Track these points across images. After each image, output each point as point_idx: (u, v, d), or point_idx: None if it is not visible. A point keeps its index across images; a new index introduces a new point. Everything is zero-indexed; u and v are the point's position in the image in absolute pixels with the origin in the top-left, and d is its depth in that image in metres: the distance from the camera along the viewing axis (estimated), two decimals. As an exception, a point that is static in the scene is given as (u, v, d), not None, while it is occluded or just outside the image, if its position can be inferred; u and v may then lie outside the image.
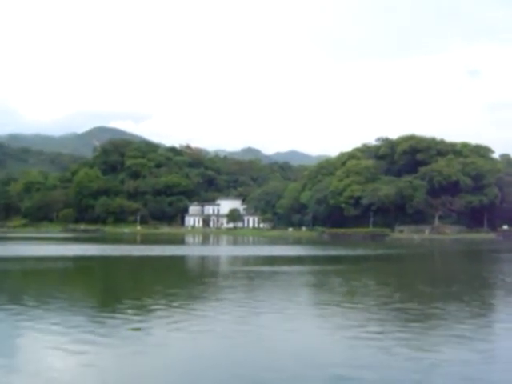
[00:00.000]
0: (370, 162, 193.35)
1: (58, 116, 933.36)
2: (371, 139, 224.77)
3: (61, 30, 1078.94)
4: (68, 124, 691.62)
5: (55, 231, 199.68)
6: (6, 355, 17.91)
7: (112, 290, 36.61)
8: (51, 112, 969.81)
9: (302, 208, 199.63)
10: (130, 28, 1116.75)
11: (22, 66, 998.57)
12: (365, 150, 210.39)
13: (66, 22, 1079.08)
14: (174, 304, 27.94)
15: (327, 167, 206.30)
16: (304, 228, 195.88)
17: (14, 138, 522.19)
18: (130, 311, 25.84)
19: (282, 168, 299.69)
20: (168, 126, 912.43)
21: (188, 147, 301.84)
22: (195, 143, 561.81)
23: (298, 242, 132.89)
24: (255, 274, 45.70)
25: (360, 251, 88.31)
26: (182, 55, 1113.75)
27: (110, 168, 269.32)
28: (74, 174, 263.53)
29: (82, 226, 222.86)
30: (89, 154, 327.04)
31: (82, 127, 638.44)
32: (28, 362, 17.24)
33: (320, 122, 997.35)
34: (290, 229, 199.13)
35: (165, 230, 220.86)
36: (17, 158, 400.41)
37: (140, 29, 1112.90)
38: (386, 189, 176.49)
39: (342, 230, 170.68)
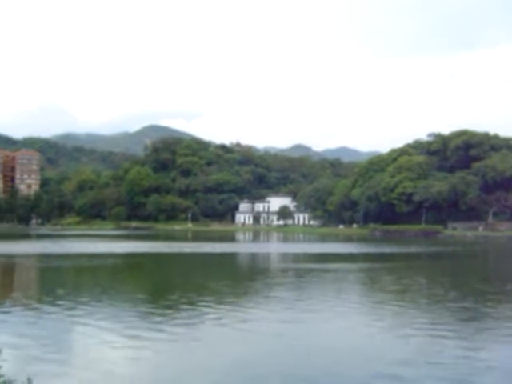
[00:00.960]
0: (422, 158, 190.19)
1: (110, 116, 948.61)
2: (422, 135, 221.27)
3: (113, 33, 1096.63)
4: (120, 123, 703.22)
5: (108, 229, 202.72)
6: (60, 349, 18.24)
7: (163, 287, 36.80)
8: (104, 112, 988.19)
9: (352, 205, 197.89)
10: (182, 28, 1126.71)
11: (75, 69, 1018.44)
12: (416, 146, 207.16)
13: (117, 26, 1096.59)
14: (224, 301, 27.90)
15: (378, 163, 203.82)
16: (355, 225, 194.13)
17: (67, 137, 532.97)
18: (179, 307, 25.95)
19: (333, 165, 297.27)
20: (219, 123, 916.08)
21: (238, 145, 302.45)
22: (245, 140, 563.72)
23: (348, 239, 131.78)
24: (306, 271, 45.37)
25: (412, 249, 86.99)
26: (234, 53, 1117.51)
27: (162, 166, 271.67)
28: (125, 172, 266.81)
29: (134, 224, 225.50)
30: (140, 152, 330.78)
31: (134, 126, 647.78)
32: (80, 356, 17.51)
33: (370, 118, 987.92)
34: (341, 226, 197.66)
35: (215, 227, 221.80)
36: (70, 156, 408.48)
37: (191, 28, 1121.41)
38: (439, 185, 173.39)
39: (394, 227, 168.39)
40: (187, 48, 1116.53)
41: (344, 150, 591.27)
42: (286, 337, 20.20)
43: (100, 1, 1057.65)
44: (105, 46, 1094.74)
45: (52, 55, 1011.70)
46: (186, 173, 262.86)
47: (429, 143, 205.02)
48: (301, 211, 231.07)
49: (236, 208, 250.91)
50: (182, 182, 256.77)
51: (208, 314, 24.26)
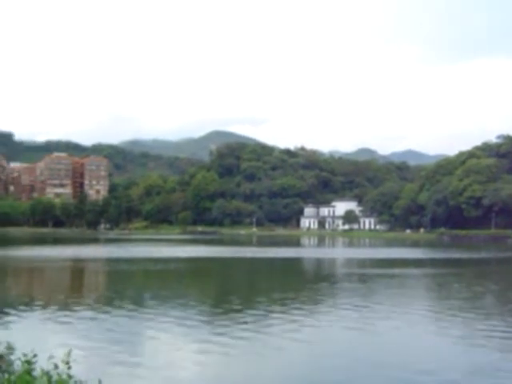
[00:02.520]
0: (491, 161, 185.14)
1: (176, 122, 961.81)
2: (491, 137, 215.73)
3: (180, 42, 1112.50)
4: (185, 129, 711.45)
5: (174, 233, 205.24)
6: (129, 351, 18.51)
7: (228, 291, 36.86)
8: (170, 119, 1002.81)
9: (419, 209, 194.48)
10: (247, 34, 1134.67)
11: (143, 78, 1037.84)
12: (485, 148, 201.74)
13: (183, 34, 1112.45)
14: (290, 307, 27.71)
15: (446, 167, 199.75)
16: (422, 230, 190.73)
17: (134, 143, 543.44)
18: (245, 312, 25.89)
19: (399, 168, 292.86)
20: (284, 128, 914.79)
21: (303, 149, 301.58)
22: (310, 145, 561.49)
23: (415, 244, 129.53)
24: (373, 276, 44.78)
25: (482, 254, 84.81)
26: (300, 59, 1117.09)
27: (227, 171, 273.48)
28: (191, 177, 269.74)
29: (200, 228, 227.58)
30: (205, 157, 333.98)
31: (199, 132, 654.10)
32: (149, 358, 17.65)
33: (437, 121, 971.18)
34: (408, 230, 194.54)
35: (280, 231, 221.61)
36: (137, 162, 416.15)
37: (256, 35, 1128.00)
38: (509, 188, 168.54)
39: (463, 232, 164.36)
40: (253, 54, 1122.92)
41: (410, 153, 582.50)
42: (353, 346, 19.83)
43: (165, 12, 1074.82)
44: (172, 55, 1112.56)
45: (121, 65, 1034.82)
46: (251, 177, 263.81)
47: (498, 145, 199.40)
48: (366, 216, 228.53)
49: (301, 212, 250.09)
50: (246, 187, 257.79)
51: (274, 319, 24.15)
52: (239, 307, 27.46)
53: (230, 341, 19.82)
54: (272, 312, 25.99)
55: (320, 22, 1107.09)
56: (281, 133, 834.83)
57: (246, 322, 23.37)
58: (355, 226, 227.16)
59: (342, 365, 17.20)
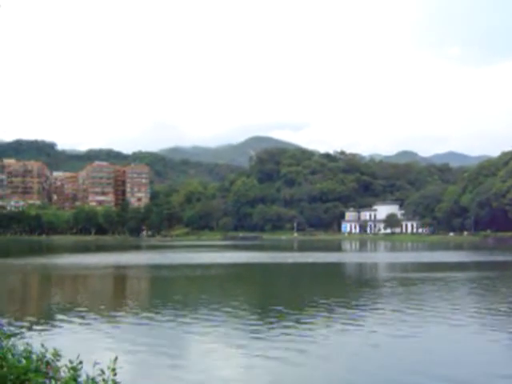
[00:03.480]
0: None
1: (215, 129, 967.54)
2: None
3: (219, 50, 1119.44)
4: (224, 136, 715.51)
5: (215, 239, 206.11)
6: (173, 356, 18.56)
7: (269, 297, 36.77)
8: (209, 126, 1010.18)
9: (462, 211, 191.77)
10: (286, 41, 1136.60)
11: (183, 86, 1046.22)
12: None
13: (221, 43, 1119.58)
14: (332, 312, 27.50)
15: (489, 168, 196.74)
16: (466, 232, 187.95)
17: (174, 150, 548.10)
18: (287, 317, 25.73)
19: (441, 170, 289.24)
20: (324, 133, 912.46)
21: (342, 153, 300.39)
22: (350, 148, 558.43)
23: (459, 247, 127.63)
24: (415, 280, 44.18)
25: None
26: (339, 64, 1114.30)
27: (266, 176, 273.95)
28: (231, 183, 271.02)
29: (241, 234, 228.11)
30: (244, 163, 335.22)
31: (238, 138, 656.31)
32: (194, 363, 17.67)
33: (479, 122, 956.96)
34: (451, 233, 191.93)
35: (321, 236, 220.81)
36: (178, 169, 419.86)
37: (295, 40, 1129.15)
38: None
39: (509, 234, 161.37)
40: (292, 59, 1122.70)
41: (452, 154, 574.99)
42: (402, 355, 19.41)
43: (206, 19, 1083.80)
44: (212, 62, 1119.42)
45: (162, 73, 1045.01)
46: (291, 182, 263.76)
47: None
48: (408, 219, 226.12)
49: (342, 217, 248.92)
50: (286, 192, 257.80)
51: (317, 325, 23.93)
52: (281, 312, 27.29)
53: (273, 345, 19.71)
54: (315, 317, 25.78)
55: (359, 25, 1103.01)
56: (321, 137, 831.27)
57: (287, 328, 23.21)
58: (397, 230, 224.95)
59: (391, 377, 16.89)
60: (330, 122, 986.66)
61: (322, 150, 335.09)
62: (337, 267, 65.78)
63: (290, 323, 24.37)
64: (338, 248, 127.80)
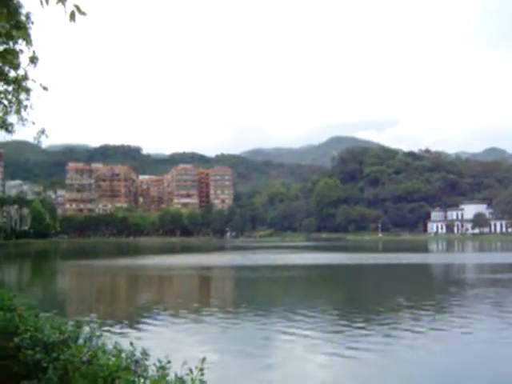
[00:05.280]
0: None
1: (297, 130, 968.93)
2: None
3: (300, 54, 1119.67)
4: (306, 136, 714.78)
5: (298, 240, 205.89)
6: (262, 359, 18.47)
7: (353, 299, 36.40)
8: (291, 127, 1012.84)
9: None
10: (364, 41, 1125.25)
11: (265, 89, 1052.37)
12: None
13: (298, 46, 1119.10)
14: (418, 314, 26.89)
15: None
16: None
17: (256, 152, 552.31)
18: (374, 320, 25.37)
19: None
20: (410, 131, 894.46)
21: (427, 151, 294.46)
22: (437, 146, 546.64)
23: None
24: (506, 282, 42.71)
25: None
26: (426, 61, 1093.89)
27: (349, 176, 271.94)
28: (314, 184, 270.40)
29: (324, 235, 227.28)
30: (326, 163, 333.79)
31: (320, 138, 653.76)
32: (281, 367, 17.53)
33: None
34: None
35: (406, 237, 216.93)
36: (260, 171, 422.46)
37: (378, 39, 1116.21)
38: None
39: None
40: (379, 57, 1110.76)
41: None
42: (498, 364, 18.66)
43: (282, 25, 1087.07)
44: (295, 64, 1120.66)
45: (244, 77, 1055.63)
46: (374, 182, 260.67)
47: None
48: (497, 218, 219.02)
49: (427, 217, 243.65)
50: (370, 192, 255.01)
51: (404, 330, 23.27)
52: (368, 315, 26.91)
53: (359, 348, 19.40)
54: (401, 321, 25.26)
55: (442, 18, 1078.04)
56: (406, 136, 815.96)
57: (375, 331, 22.81)
58: (485, 230, 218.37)
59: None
60: (416, 120, 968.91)
61: (407, 148, 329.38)
62: (423, 269, 64.30)
63: (378, 327, 23.92)
64: (424, 249, 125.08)
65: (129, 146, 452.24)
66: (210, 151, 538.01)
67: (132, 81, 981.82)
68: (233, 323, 24.95)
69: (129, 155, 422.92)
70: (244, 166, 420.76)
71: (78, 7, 5.10)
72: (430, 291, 38.90)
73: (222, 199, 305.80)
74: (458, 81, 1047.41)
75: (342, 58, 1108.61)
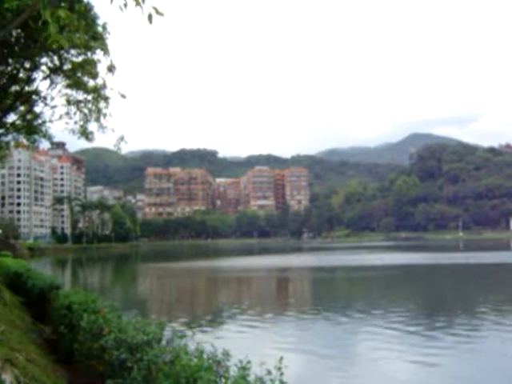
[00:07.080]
0: None
1: (373, 129, 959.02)
2: None
3: (377, 49, 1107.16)
4: (382, 135, 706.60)
5: (377, 240, 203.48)
6: (341, 361, 18.37)
7: (432, 300, 35.63)
8: (367, 126, 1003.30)
9: None
10: (426, 37, 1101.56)
11: (340, 89, 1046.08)
12: None
13: (376, 41, 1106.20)
14: (504, 317, 26.10)
15: None
16: None
17: (332, 152, 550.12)
18: (455, 322, 24.82)
19: None
20: (491, 126, 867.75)
21: (508, 146, 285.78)
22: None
23: None
24: None
25: None
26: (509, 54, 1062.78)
27: (428, 174, 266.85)
28: (392, 182, 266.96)
29: (403, 234, 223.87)
30: (404, 162, 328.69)
31: (397, 136, 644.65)
32: (362, 369, 17.34)
33: None
34: None
35: (489, 235, 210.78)
36: (336, 171, 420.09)
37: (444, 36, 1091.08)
38: None
39: None
40: (461, 53, 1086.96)
41: None
42: None
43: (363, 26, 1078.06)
44: (372, 63, 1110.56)
45: (319, 78, 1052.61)
46: (454, 179, 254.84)
47: None
48: None
49: (510, 213, 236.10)
50: (449, 190, 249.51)
51: (488, 335, 22.61)
52: (450, 317, 26.30)
53: (442, 350, 19.03)
54: (483, 323, 24.57)
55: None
56: (485, 132, 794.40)
57: (457, 334, 22.26)
58: None
59: None
60: (497, 114, 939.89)
61: (488, 144, 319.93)
62: (506, 269, 62.26)
63: (461, 330, 23.29)
64: (507, 248, 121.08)
65: (205, 150, 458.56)
66: (286, 153, 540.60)
67: (207, 85, 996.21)
68: (312, 324, 24.94)
69: (205, 159, 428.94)
70: (320, 167, 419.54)
71: (156, 8, 5.28)
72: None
73: (298, 200, 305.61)
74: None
75: (422, 53, 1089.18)
